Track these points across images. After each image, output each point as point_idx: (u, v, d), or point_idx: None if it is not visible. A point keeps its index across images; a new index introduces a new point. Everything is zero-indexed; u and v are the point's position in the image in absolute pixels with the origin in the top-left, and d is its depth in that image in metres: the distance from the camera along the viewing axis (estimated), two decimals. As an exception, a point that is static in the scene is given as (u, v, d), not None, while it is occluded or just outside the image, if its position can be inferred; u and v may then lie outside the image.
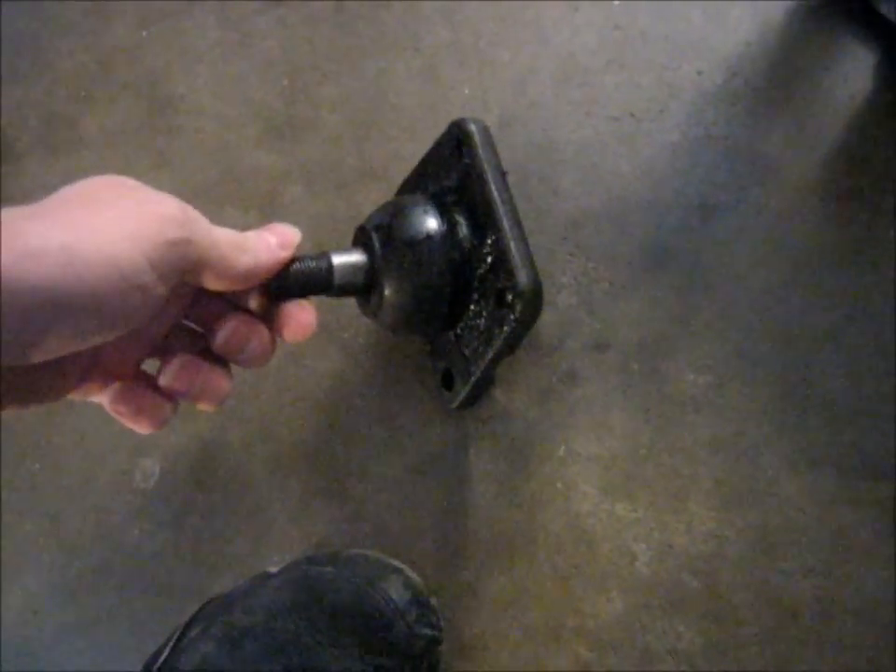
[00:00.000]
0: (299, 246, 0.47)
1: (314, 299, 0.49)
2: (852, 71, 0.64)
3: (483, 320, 0.56)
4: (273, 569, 0.57)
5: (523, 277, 0.53)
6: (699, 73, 0.65)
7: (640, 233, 0.61)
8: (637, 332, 0.59)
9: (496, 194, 0.55)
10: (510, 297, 0.53)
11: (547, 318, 0.61)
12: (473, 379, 0.56)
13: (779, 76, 0.64)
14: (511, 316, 0.53)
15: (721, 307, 0.59)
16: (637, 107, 0.65)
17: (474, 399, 0.59)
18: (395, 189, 0.63)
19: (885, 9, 0.60)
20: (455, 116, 0.59)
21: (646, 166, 0.63)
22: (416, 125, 0.67)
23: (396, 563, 0.58)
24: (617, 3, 0.68)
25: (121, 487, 0.65)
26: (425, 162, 0.61)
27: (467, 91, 0.68)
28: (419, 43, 0.70)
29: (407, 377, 0.63)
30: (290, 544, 0.62)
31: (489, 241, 0.55)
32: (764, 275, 0.59)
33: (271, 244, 0.44)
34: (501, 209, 0.55)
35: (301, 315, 0.47)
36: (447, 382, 0.59)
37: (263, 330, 0.46)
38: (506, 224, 0.54)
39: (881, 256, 0.58)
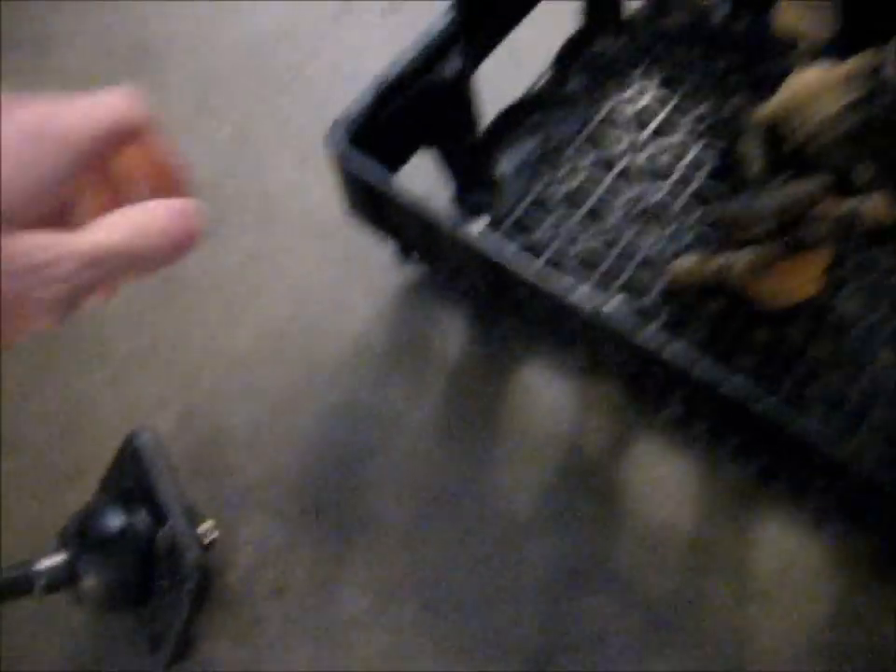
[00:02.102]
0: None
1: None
2: (451, 330, 0.81)
3: (169, 593, 0.68)
4: None
5: (190, 555, 0.66)
6: (333, 351, 0.81)
7: (298, 491, 0.76)
8: (305, 573, 0.73)
9: (164, 490, 0.68)
10: (184, 572, 0.66)
11: (232, 575, 0.73)
12: (172, 642, 0.68)
13: (396, 344, 0.81)
14: (188, 588, 0.66)
15: (371, 543, 0.74)
16: (288, 392, 0.80)
17: (180, 656, 0.71)
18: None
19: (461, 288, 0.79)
20: (145, 415, 0.73)
21: (298, 435, 0.78)
22: (114, 429, 0.79)
23: None
24: (263, 302, 0.84)
25: None
26: (111, 468, 0.74)
27: (152, 391, 0.82)
28: (108, 354, 0.84)
29: (122, 653, 0.73)
30: None
31: (166, 527, 0.68)
32: (404, 512, 0.74)
33: None
34: (171, 500, 0.68)
35: None
36: (153, 648, 0.70)
37: None
38: (175, 512, 0.68)
39: (488, 481, 0.75)
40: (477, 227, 0.67)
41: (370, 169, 0.67)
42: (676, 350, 0.60)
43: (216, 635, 0.72)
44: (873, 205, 0.72)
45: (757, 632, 0.69)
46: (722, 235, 0.74)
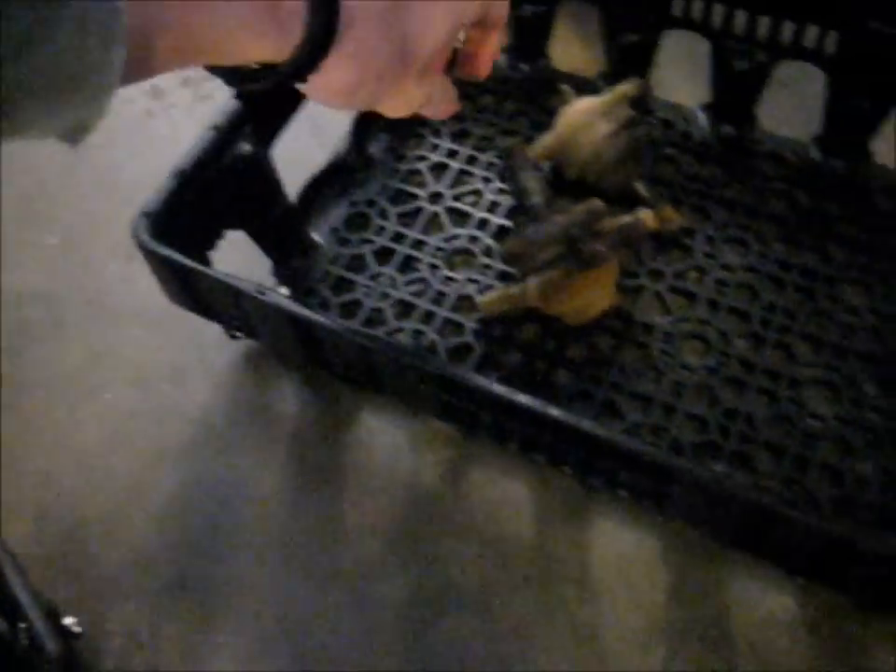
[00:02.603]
0: None
1: None
2: (287, 393, 0.85)
3: (38, 690, 0.69)
4: None
5: (49, 647, 0.68)
6: (179, 433, 0.84)
7: (160, 571, 0.78)
8: (176, 649, 0.75)
9: (17, 592, 0.70)
10: (45, 665, 0.68)
11: (105, 664, 0.75)
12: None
13: (237, 416, 0.85)
14: (52, 680, 0.68)
15: (238, 609, 0.76)
16: (141, 479, 0.83)
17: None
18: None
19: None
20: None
21: (154, 518, 0.81)
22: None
23: None
24: (108, 396, 0.87)
25: None
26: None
27: (5, 498, 0.83)
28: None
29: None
30: None
31: (22, 627, 0.69)
32: (263, 574, 0.77)
33: None
34: (24, 600, 0.70)
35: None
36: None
37: None
38: (30, 611, 0.69)
39: (339, 530, 0.78)
40: (283, 291, 0.71)
41: (172, 256, 0.71)
42: (477, 377, 0.65)
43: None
44: (644, 217, 0.79)
45: (606, 625, 0.74)
46: (518, 268, 0.80)
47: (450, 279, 0.86)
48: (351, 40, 0.41)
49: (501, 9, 0.50)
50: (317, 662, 0.74)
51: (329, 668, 0.74)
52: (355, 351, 0.67)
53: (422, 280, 0.86)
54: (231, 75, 0.44)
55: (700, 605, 0.74)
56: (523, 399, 0.63)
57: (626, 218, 0.78)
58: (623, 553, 0.76)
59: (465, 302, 0.85)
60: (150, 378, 0.88)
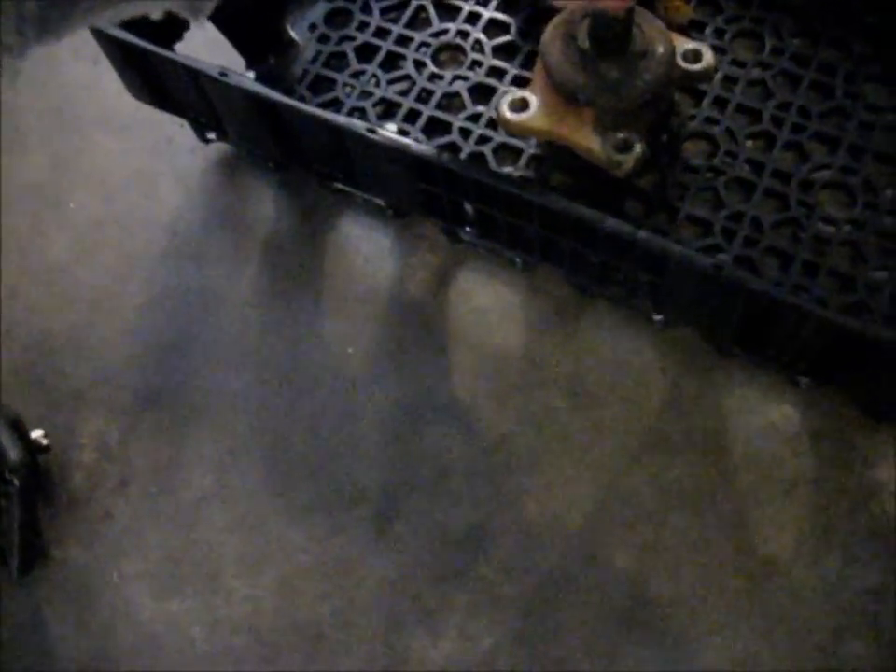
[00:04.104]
0: None
1: None
2: (262, 201, 0.80)
3: (3, 502, 0.67)
4: None
5: (13, 455, 0.65)
6: (148, 241, 0.79)
7: (129, 384, 0.74)
8: (147, 461, 0.72)
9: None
10: (7, 474, 0.65)
11: (76, 476, 0.72)
12: (16, 551, 0.67)
13: (210, 222, 0.80)
14: (16, 488, 0.65)
15: (210, 420, 0.73)
16: (109, 290, 0.78)
17: (30, 565, 0.69)
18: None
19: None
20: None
21: (123, 330, 0.76)
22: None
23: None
24: (72, 205, 0.82)
25: None
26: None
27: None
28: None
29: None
30: None
31: (-18, 436, 0.66)
32: (237, 385, 0.74)
33: None
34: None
35: None
36: (1, 561, 0.69)
37: None
38: (-9, 418, 0.66)
39: (317, 340, 0.74)
40: (249, 74, 0.64)
41: (127, 38, 0.65)
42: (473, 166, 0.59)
43: (67, 537, 0.71)
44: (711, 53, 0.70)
45: (598, 436, 0.70)
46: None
47: (436, 76, 0.79)
48: None
49: None
50: (290, 476, 0.71)
51: (301, 484, 0.71)
52: (324, 135, 0.62)
53: (406, 78, 0.80)
54: None
55: (697, 415, 0.70)
56: (506, 185, 0.58)
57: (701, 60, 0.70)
58: (616, 362, 0.72)
59: (453, 100, 0.78)
60: (117, 186, 0.83)
